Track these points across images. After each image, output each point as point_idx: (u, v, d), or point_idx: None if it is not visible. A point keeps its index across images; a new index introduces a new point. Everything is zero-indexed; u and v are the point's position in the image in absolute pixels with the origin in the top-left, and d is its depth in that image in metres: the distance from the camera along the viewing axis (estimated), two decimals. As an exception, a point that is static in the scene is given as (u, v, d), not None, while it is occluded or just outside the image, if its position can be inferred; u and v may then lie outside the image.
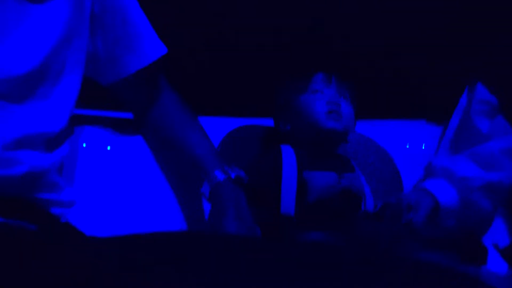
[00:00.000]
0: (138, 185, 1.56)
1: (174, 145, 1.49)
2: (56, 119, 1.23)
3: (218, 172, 1.41)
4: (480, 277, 1.35)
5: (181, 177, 1.56)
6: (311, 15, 1.83)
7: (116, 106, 1.60)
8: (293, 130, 1.61)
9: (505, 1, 1.71)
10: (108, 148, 1.62)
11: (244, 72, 1.83)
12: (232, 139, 1.67)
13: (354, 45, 1.84)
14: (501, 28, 1.66)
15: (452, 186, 1.58)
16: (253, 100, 1.74)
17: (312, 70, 1.61)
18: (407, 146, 1.85)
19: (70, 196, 1.29)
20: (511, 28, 1.61)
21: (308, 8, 1.82)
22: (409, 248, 1.37)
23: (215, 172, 1.41)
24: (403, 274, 0.87)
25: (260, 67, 1.81)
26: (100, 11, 1.33)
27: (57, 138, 1.25)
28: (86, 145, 1.58)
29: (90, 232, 1.24)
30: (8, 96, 1.17)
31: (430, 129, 1.84)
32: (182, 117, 1.50)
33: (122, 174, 1.58)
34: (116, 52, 1.39)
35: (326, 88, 1.59)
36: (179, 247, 0.90)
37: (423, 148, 1.85)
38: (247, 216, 1.39)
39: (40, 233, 1.13)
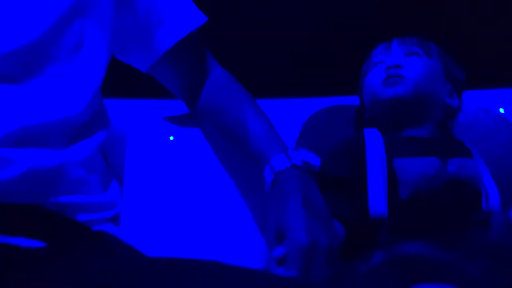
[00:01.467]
0: (196, 182, 1.30)
1: (231, 129, 1.21)
2: (73, 102, 0.98)
3: (281, 156, 1.11)
4: None
5: (243, 168, 1.27)
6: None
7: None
8: (369, 114, 1.33)
9: None
10: (171, 138, 1.38)
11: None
12: (316, 122, 1.38)
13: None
14: None
15: None
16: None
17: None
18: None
19: (108, 197, 1.04)
20: None
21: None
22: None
23: (277, 156, 1.11)
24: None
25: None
26: None
27: (78, 126, 1.00)
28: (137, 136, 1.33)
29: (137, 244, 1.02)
30: (8, 77, 0.92)
31: None
32: (236, 96, 1.22)
33: (177, 170, 1.33)
34: (149, 26, 1.17)
35: (386, 56, 1.32)
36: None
37: None
38: (320, 206, 1.07)
39: (48, 253, 0.88)
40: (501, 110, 1.43)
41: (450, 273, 0.96)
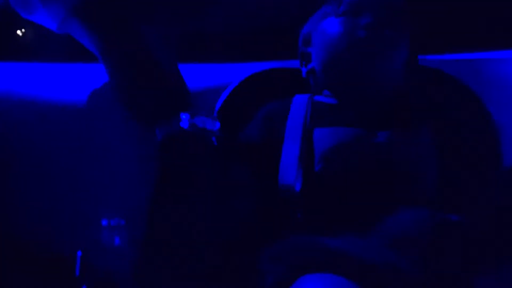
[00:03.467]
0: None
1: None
2: None
3: (176, 117, 1.03)
4: None
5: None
6: None
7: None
8: (316, 70, 1.14)
9: None
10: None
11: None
12: (246, 87, 1.24)
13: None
14: None
15: None
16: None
17: None
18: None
19: None
20: None
21: None
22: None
23: (172, 117, 1.04)
24: None
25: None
26: None
27: None
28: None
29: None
30: None
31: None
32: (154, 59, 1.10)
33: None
34: None
35: (362, 9, 1.09)
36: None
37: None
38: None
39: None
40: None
41: (344, 262, 0.86)
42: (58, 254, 1.07)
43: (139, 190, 1.12)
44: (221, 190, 1.01)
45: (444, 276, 0.88)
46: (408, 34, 1.10)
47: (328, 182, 1.01)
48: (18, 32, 1.45)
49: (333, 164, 1.01)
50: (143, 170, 1.13)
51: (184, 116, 1.03)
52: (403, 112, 1.11)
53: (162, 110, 1.05)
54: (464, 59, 1.29)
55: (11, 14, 1.12)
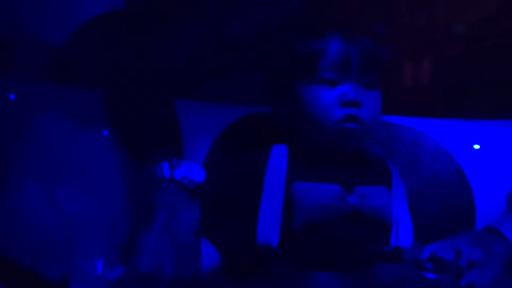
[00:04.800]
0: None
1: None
2: None
3: (161, 165, 1.02)
4: None
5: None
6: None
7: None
8: (293, 128, 1.14)
9: None
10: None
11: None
12: (234, 132, 1.25)
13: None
14: None
15: None
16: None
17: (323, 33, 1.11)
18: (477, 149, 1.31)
19: None
20: None
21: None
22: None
23: (158, 165, 1.02)
24: None
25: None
26: None
27: None
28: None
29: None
30: None
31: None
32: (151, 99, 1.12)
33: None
34: None
35: (342, 76, 1.08)
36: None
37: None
38: (184, 229, 0.98)
39: None
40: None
41: None
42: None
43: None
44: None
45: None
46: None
47: (306, 239, 1.01)
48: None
49: (311, 221, 1.01)
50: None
51: (171, 164, 1.03)
52: (375, 165, 1.14)
53: (150, 155, 1.04)
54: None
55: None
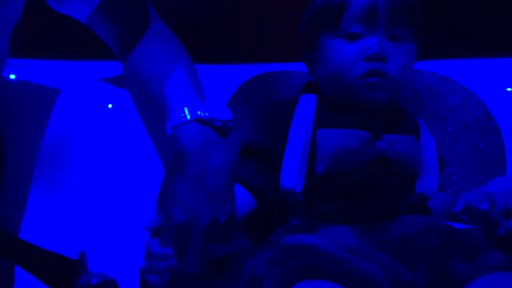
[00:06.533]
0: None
1: (150, 89, 1.09)
2: None
3: (182, 109, 0.98)
4: None
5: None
6: None
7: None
8: (318, 83, 1.12)
9: None
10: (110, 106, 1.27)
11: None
12: (251, 87, 1.23)
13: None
14: None
15: None
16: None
17: None
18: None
19: None
20: None
21: None
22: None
23: (179, 109, 0.99)
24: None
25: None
26: None
27: None
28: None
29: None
30: None
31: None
32: (167, 56, 1.10)
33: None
34: None
35: (368, 30, 1.04)
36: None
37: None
38: (216, 172, 0.95)
39: None
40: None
41: (344, 271, 0.85)
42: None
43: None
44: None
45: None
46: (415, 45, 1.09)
47: (330, 185, 1.00)
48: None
49: (335, 166, 1.00)
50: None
51: (196, 105, 1.00)
52: (403, 116, 1.13)
53: (175, 101, 1.02)
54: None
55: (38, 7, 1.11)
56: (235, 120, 1.05)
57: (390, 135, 1.04)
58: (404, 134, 1.06)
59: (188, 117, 0.97)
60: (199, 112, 0.98)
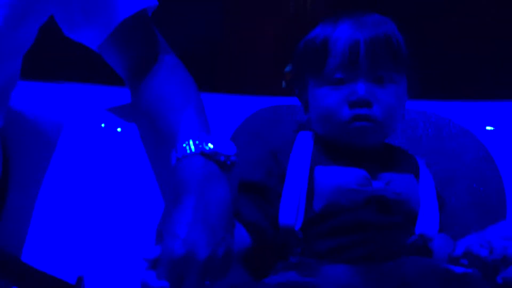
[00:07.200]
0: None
1: (159, 119, 1.09)
2: None
3: (188, 141, 0.99)
4: None
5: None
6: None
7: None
8: (311, 123, 1.13)
9: None
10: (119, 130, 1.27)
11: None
12: (258, 121, 1.25)
13: None
14: None
15: None
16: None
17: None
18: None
19: None
20: None
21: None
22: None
23: (184, 141, 0.99)
24: None
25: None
26: None
27: None
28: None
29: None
30: None
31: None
32: (177, 87, 1.11)
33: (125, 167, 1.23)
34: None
35: (349, 74, 1.05)
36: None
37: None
38: (217, 208, 0.94)
39: None
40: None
41: None
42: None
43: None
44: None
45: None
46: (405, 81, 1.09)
47: (328, 223, 1.01)
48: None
49: (333, 204, 1.01)
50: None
51: (202, 138, 1.00)
52: (401, 154, 1.13)
53: (182, 132, 1.03)
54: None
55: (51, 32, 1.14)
56: (239, 154, 1.04)
57: (388, 173, 1.05)
58: (402, 173, 1.07)
59: (193, 149, 0.98)
60: (204, 146, 0.99)
